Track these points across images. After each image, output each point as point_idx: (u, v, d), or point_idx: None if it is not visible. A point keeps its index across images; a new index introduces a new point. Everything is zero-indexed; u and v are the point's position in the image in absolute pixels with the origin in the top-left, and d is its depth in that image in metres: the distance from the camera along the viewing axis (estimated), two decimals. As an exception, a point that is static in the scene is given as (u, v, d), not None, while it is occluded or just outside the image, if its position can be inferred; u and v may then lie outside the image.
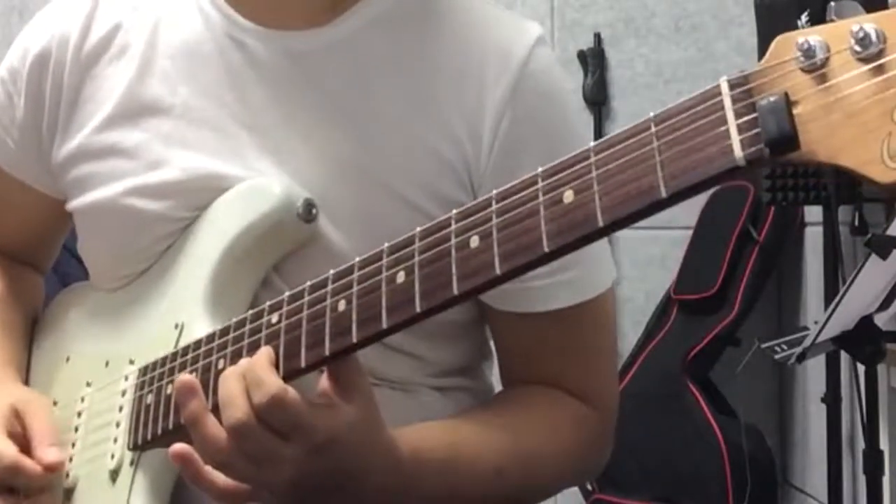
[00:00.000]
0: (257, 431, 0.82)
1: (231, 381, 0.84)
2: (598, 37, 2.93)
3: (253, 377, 0.83)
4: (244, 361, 0.85)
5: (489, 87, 0.97)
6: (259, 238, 0.97)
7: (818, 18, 2.11)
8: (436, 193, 0.97)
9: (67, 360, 1.12)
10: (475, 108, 0.97)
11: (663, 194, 0.66)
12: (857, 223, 2.27)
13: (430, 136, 0.97)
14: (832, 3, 0.61)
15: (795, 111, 0.61)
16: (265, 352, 0.85)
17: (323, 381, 0.85)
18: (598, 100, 2.90)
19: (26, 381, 1.14)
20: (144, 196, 1.01)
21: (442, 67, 0.99)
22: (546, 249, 0.72)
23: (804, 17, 2.13)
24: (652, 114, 0.69)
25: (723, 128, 0.64)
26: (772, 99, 0.62)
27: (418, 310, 0.78)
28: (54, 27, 1.07)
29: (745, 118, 0.63)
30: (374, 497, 0.87)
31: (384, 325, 0.80)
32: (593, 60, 2.91)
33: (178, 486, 0.97)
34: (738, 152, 0.63)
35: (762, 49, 2.42)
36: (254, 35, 1.01)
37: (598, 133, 2.90)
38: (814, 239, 2.60)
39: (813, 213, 2.58)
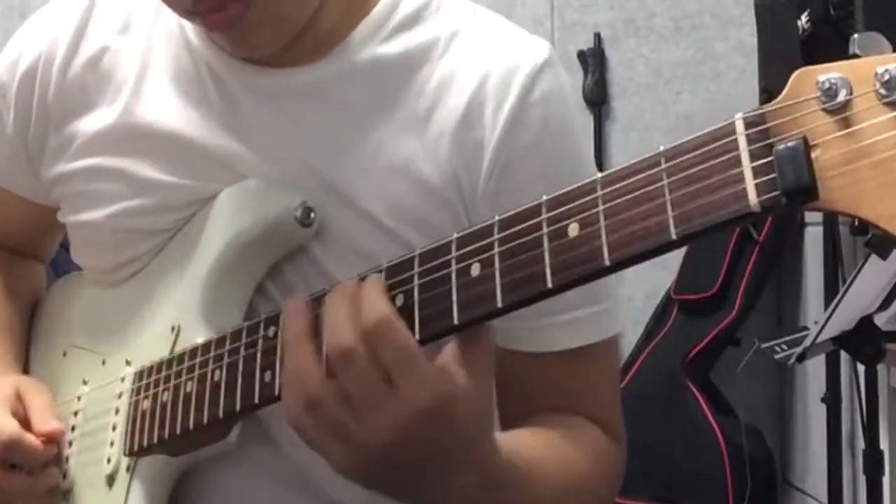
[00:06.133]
0: (362, 360, 0.72)
1: (339, 303, 0.74)
2: (598, 37, 2.92)
3: (364, 300, 0.74)
4: (350, 284, 0.76)
5: (487, 120, 0.93)
6: (256, 239, 0.96)
7: (818, 18, 2.10)
8: (431, 230, 0.92)
9: (64, 354, 1.11)
10: (473, 144, 0.93)
11: (673, 237, 0.63)
12: (857, 223, 2.26)
13: (424, 172, 0.94)
14: (855, 36, 0.58)
15: (814, 155, 0.58)
16: (377, 279, 0.77)
17: (450, 347, 0.75)
18: (598, 100, 2.90)
19: (25, 372, 1.14)
20: (134, 217, 1.00)
21: (438, 105, 0.95)
22: (550, 285, 0.69)
23: (804, 17, 2.12)
24: (662, 147, 0.65)
25: (737, 170, 0.61)
26: (790, 144, 0.58)
27: (417, 337, 0.76)
28: (42, 42, 1.05)
29: (761, 161, 0.60)
30: (452, 495, 0.78)
31: None
32: (593, 60, 2.90)
33: (174, 494, 0.97)
34: (752, 198, 0.60)
35: (762, 49, 2.41)
36: (229, 69, 0.98)
37: (598, 133, 2.90)
38: (814, 239, 2.60)
39: (813, 213, 2.57)
